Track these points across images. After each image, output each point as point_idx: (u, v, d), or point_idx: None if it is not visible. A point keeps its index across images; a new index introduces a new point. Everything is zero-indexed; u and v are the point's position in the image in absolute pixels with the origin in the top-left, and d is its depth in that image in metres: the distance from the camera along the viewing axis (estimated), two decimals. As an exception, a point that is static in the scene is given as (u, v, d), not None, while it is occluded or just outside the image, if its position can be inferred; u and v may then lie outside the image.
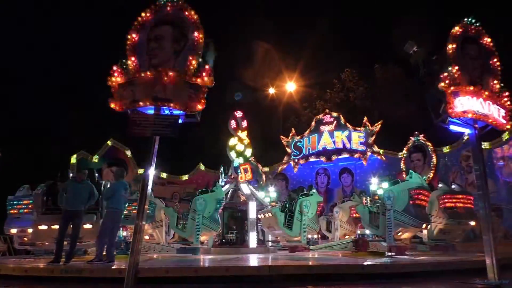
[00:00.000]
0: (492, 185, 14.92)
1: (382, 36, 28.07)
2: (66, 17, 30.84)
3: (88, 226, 9.31)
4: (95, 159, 21.29)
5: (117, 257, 8.56)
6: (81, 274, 6.75)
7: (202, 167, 24.40)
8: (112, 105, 5.97)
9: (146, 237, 14.16)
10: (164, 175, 23.76)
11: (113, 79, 6.04)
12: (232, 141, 15.22)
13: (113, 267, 7.31)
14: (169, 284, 6.25)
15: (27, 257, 11.00)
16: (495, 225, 8.07)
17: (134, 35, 6.18)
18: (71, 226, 8.48)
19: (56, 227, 9.85)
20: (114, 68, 6.07)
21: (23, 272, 7.12)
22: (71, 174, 11.90)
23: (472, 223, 12.03)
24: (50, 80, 29.46)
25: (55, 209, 10.63)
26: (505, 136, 15.88)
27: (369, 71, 28.44)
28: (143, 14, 6.25)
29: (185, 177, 24.34)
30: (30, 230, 11.75)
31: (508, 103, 6.47)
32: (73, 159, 20.74)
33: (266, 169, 24.04)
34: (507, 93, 6.52)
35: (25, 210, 12.06)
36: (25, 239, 12.14)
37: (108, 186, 9.60)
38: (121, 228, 11.75)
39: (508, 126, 6.59)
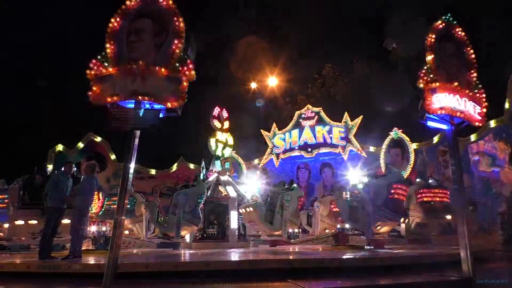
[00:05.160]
0: (467, 180, 15.30)
1: (363, 32, 28.36)
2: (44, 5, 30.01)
3: (66, 221, 9.15)
4: (78, 147, 21.03)
5: (97, 252, 8.47)
6: (58, 270, 6.66)
7: (183, 161, 24.27)
8: (91, 99, 5.86)
9: (126, 232, 14.05)
10: (145, 169, 23.57)
11: (92, 72, 5.92)
12: (214, 136, 15.16)
13: (92, 263, 7.24)
14: (149, 279, 6.21)
15: (3, 253, 10.77)
16: (470, 219, 8.28)
17: (115, 23, 6.05)
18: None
19: (33, 222, 9.68)
20: (93, 61, 5.96)
21: (-1, 268, 6.98)
22: (48, 168, 11.70)
23: (448, 217, 12.33)
24: (26, 71, 28.71)
25: (32, 204, 10.44)
26: (474, 136, 16.33)
27: (349, 67, 28.73)
28: (127, 3, 6.14)
29: (167, 172, 24.18)
30: (6, 225, 11.53)
31: (484, 100, 6.63)
32: (51, 153, 20.39)
33: (248, 163, 24.03)
34: (482, 90, 6.67)
35: (1, 205, 11.83)
36: (1, 234, 11.92)
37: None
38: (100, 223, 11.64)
39: (483, 123, 6.75)
